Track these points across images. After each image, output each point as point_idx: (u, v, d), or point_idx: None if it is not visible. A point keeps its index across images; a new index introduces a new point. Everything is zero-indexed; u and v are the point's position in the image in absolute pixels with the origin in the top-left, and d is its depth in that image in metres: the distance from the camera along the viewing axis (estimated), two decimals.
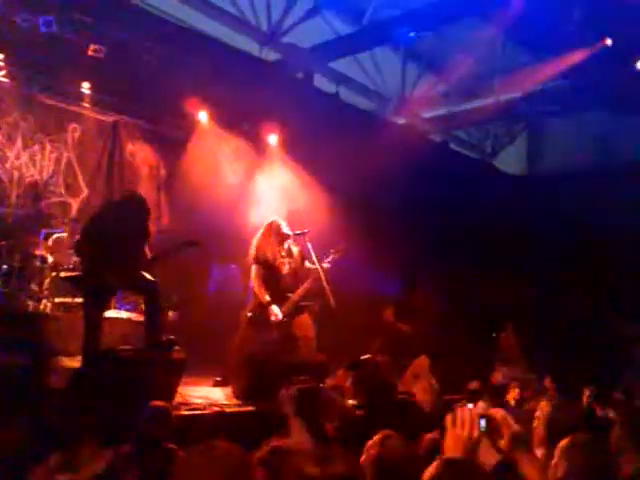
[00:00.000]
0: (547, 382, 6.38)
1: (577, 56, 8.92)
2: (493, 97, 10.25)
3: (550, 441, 3.25)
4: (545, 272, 10.12)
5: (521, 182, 12.12)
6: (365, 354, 6.20)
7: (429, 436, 3.52)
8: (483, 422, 2.05)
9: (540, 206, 10.44)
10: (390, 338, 7.68)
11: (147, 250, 5.51)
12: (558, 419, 3.60)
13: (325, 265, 6.18)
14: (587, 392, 5.75)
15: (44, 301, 6.61)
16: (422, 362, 6.67)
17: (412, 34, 9.51)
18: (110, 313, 6.88)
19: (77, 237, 5.72)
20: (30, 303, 6.50)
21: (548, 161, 12.32)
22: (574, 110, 10.55)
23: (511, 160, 12.62)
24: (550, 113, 11.07)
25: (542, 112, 10.84)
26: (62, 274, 6.51)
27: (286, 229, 6.34)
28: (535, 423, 3.81)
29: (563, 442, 2.67)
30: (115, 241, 5.14)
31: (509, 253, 10.09)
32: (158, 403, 3.87)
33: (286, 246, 6.36)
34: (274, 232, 6.32)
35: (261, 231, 6.40)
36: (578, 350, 8.26)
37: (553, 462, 2.62)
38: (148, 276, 5.44)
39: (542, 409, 3.95)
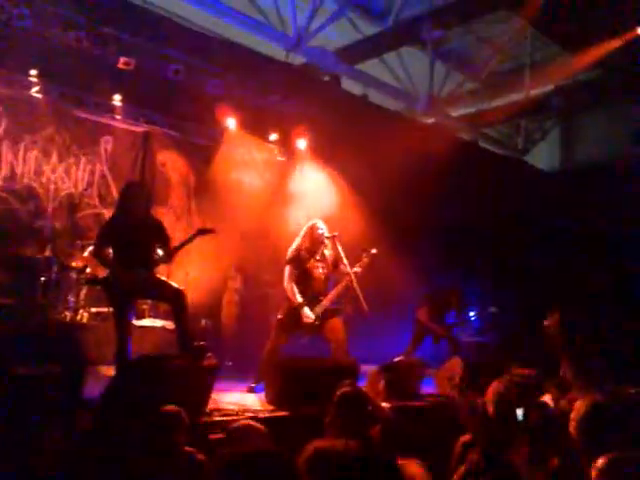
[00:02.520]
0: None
1: (608, 46, 8.74)
2: (523, 92, 10.11)
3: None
4: (579, 267, 9.95)
5: (554, 178, 11.91)
6: (398, 357, 6.20)
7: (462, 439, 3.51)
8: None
9: (574, 201, 10.26)
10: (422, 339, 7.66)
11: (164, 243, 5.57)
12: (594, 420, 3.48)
13: (356, 269, 6.17)
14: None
15: (81, 311, 6.76)
16: (454, 363, 6.61)
17: (438, 31, 9.47)
18: (145, 322, 7.02)
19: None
20: (67, 314, 6.64)
21: (582, 156, 12.07)
22: (607, 102, 10.33)
23: (543, 156, 12.41)
24: (583, 106, 10.86)
25: (574, 105, 10.63)
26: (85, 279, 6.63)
27: (325, 233, 6.33)
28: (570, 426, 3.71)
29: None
30: (125, 242, 5.28)
31: (544, 250, 9.95)
32: (169, 407, 3.78)
33: (322, 250, 6.35)
34: (312, 235, 6.33)
35: (301, 233, 6.41)
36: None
37: None
38: (173, 284, 5.51)
39: (577, 410, 3.85)
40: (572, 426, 3.27)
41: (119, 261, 5.29)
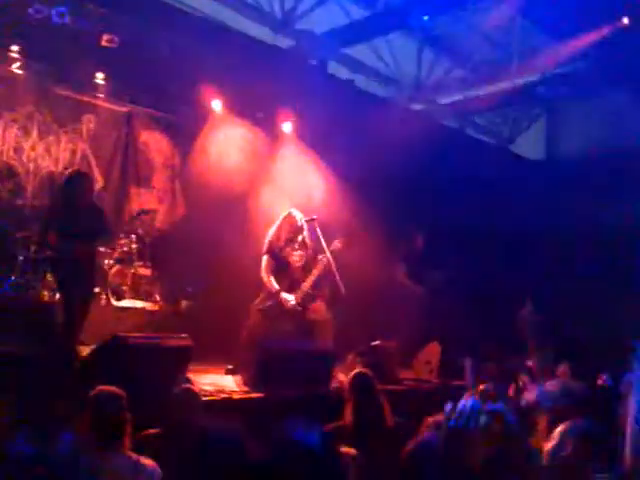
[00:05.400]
0: (562, 369, 6.23)
1: (595, 36, 8.73)
2: (511, 80, 10.07)
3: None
4: (563, 256, 9.99)
5: (539, 167, 11.92)
6: (375, 339, 6.21)
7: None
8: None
9: (559, 191, 10.28)
10: (403, 299, 7.64)
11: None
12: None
13: (333, 249, 6.19)
14: (602, 378, 5.64)
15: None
16: (433, 348, 6.64)
17: (427, 18, 9.40)
18: (124, 302, 6.98)
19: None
20: (45, 293, 6.57)
21: (567, 145, 12.08)
22: (594, 92, 10.32)
23: (529, 145, 12.41)
24: (569, 95, 10.85)
25: (561, 95, 10.62)
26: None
27: (300, 221, 6.33)
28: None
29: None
30: (69, 229, 5.47)
31: (527, 239, 9.98)
32: (186, 386, 3.99)
33: (300, 238, 6.34)
34: (288, 224, 6.33)
35: (277, 223, 6.41)
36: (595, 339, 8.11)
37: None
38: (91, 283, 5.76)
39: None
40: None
41: (62, 240, 5.46)
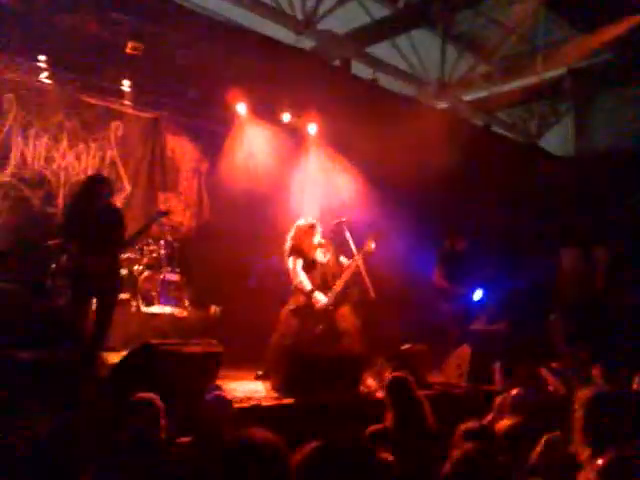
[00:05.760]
0: (595, 371, 6.14)
1: (623, 27, 8.57)
2: (537, 75, 9.94)
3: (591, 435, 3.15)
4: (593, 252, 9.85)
5: (569, 163, 11.73)
6: (405, 342, 6.18)
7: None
8: None
9: (589, 187, 10.11)
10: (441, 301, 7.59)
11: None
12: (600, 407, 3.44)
13: (364, 249, 6.18)
14: (638, 379, 5.53)
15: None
16: (463, 351, 6.59)
17: (449, 14, 9.33)
18: (153, 309, 7.04)
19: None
20: None
21: (597, 140, 11.86)
22: (622, 84, 10.14)
23: (558, 140, 12.22)
24: (597, 89, 10.68)
25: (588, 88, 10.45)
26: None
27: (307, 221, 6.43)
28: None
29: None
30: (87, 233, 5.34)
31: (556, 236, 9.85)
32: (217, 392, 4.02)
33: (317, 240, 6.38)
34: (300, 228, 6.38)
35: (290, 233, 6.46)
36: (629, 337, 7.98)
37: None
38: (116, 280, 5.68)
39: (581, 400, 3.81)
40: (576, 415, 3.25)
41: (81, 249, 5.33)
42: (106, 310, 5.42)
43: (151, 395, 3.27)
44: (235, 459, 1.97)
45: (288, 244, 6.35)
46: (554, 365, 6.34)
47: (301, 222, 6.46)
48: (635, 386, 5.33)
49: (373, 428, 4.01)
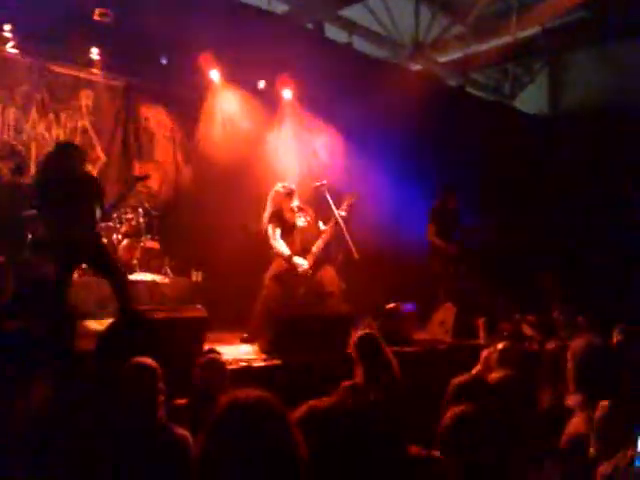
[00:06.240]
0: (581, 320, 6.24)
1: None
2: (511, 35, 9.92)
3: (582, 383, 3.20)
4: (571, 213, 9.95)
5: (542, 122, 11.79)
6: (390, 300, 6.22)
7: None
8: None
9: (563, 146, 10.19)
10: (443, 259, 7.61)
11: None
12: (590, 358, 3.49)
13: (342, 213, 6.18)
14: (617, 330, 5.64)
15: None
16: (448, 309, 6.66)
17: None
18: (135, 276, 6.97)
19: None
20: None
21: (570, 98, 11.92)
22: (596, 43, 10.17)
23: (532, 100, 12.26)
24: (570, 47, 10.69)
25: (562, 47, 10.47)
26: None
27: (285, 185, 6.39)
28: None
29: None
30: (63, 198, 5.08)
31: (535, 197, 9.94)
32: (212, 355, 4.00)
33: (296, 204, 6.36)
34: (279, 194, 6.35)
35: (268, 199, 6.41)
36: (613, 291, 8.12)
37: None
38: (113, 259, 5.62)
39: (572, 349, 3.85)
40: (569, 364, 3.30)
41: (58, 218, 5.08)
42: (111, 274, 5.26)
43: (147, 359, 3.24)
44: (231, 419, 1.93)
45: (268, 210, 6.32)
46: (531, 319, 6.46)
47: (279, 187, 6.42)
48: (614, 339, 5.44)
49: (347, 383, 4.06)
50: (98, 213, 5.35)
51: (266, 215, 6.36)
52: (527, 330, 6.20)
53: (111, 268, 5.30)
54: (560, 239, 9.66)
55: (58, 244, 5.15)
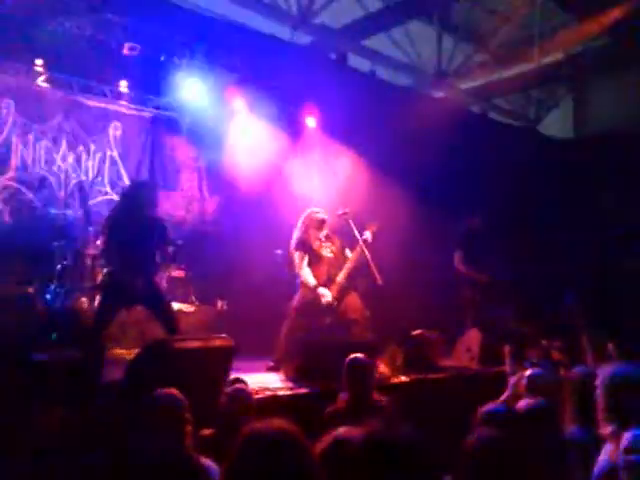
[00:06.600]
0: (610, 348, 6.11)
1: (617, 12, 8.57)
2: (534, 61, 9.94)
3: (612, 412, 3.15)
4: (597, 237, 9.84)
5: (568, 146, 11.73)
6: (416, 327, 6.19)
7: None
8: None
9: (589, 170, 10.11)
10: (473, 286, 7.58)
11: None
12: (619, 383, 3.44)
13: (367, 236, 6.18)
14: None
15: (97, 297, 6.76)
16: (473, 335, 6.60)
17: (445, 4, 9.34)
18: None
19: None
20: (84, 300, 6.67)
21: (595, 123, 11.84)
22: (618, 68, 10.14)
23: (557, 125, 12.23)
24: (594, 73, 10.67)
25: (585, 73, 10.45)
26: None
27: (320, 213, 6.37)
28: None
29: None
30: (130, 240, 5.04)
31: (559, 220, 9.85)
32: (238, 385, 4.01)
33: (325, 233, 6.37)
34: (311, 220, 6.35)
35: (300, 221, 6.43)
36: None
37: None
38: (171, 308, 5.58)
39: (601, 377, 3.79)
40: (599, 392, 3.25)
41: (122, 260, 5.03)
42: (164, 320, 5.25)
43: (173, 390, 3.26)
44: (251, 451, 1.94)
45: (297, 233, 6.33)
46: (558, 344, 6.37)
47: (313, 214, 6.38)
48: None
49: (330, 409, 4.17)
50: (160, 258, 5.40)
51: (294, 238, 6.36)
52: (556, 355, 6.11)
53: (165, 314, 5.29)
54: (590, 264, 9.54)
55: (116, 284, 5.09)
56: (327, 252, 6.33)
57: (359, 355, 4.42)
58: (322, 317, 6.11)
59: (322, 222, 6.33)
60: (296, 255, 6.27)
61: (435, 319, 6.87)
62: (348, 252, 6.41)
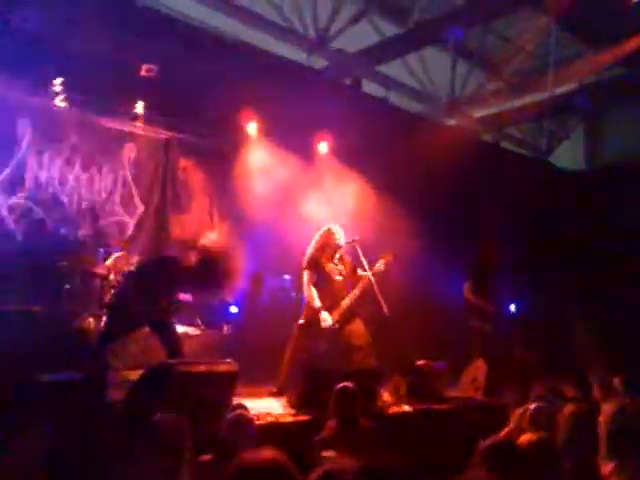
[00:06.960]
0: (616, 382, 6.03)
1: (632, 43, 8.58)
2: (547, 91, 9.94)
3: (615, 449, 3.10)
4: (608, 267, 9.75)
5: (580, 178, 11.68)
6: (423, 358, 6.14)
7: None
8: None
9: (601, 202, 10.05)
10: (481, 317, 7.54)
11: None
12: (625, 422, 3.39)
13: (375, 270, 6.15)
14: None
15: (104, 318, 6.79)
16: (479, 365, 6.55)
17: (460, 32, 9.38)
18: None
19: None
20: (91, 320, 6.68)
21: (608, 155, 11.79)
22: (632, 99, 10.11)
23: (568, 156, 12.18)
24: (607, 104, 10.65)
25: (599, 103, 10.42)
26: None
27: (339, 238, 6.33)
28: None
29: None
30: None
31: (572, 252, 9.78)
32: (240, 411, 4.00)
33: (338, 255, 6.34)
34: (327, 239, 6.32)
35: (316, 238, 6.40)
36: None
37: None
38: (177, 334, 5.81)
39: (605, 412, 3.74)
40: (602, 428, 3.20)
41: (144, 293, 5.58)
42: (168, 338, 5.54)
43: (174, 416, 3.25)
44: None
45: (309, 252, 6.30)
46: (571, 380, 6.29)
47: (333, 235, 6.34)
48: None
49: (317, 438, 4.21)
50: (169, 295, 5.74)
51: (307, 254, 6.33)
52: (569, 391, 6.03)
53: (169, 338, 5.56)
54: (599, 297, 9.45)
55: (133, 312, 5.46)
56: (337, 275, 6.31)
57: (347, 384, 4.47)
58: (321, 339, 6.08)
59: (338, 246, 6.31)
60: (305, 274, 6.25)
61: (442, 349, 6.81)
62: (360, 271, 6.36)
